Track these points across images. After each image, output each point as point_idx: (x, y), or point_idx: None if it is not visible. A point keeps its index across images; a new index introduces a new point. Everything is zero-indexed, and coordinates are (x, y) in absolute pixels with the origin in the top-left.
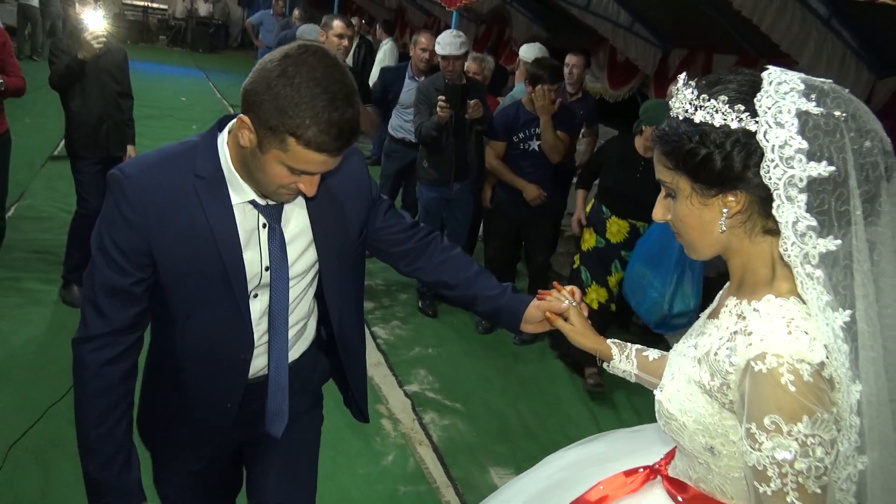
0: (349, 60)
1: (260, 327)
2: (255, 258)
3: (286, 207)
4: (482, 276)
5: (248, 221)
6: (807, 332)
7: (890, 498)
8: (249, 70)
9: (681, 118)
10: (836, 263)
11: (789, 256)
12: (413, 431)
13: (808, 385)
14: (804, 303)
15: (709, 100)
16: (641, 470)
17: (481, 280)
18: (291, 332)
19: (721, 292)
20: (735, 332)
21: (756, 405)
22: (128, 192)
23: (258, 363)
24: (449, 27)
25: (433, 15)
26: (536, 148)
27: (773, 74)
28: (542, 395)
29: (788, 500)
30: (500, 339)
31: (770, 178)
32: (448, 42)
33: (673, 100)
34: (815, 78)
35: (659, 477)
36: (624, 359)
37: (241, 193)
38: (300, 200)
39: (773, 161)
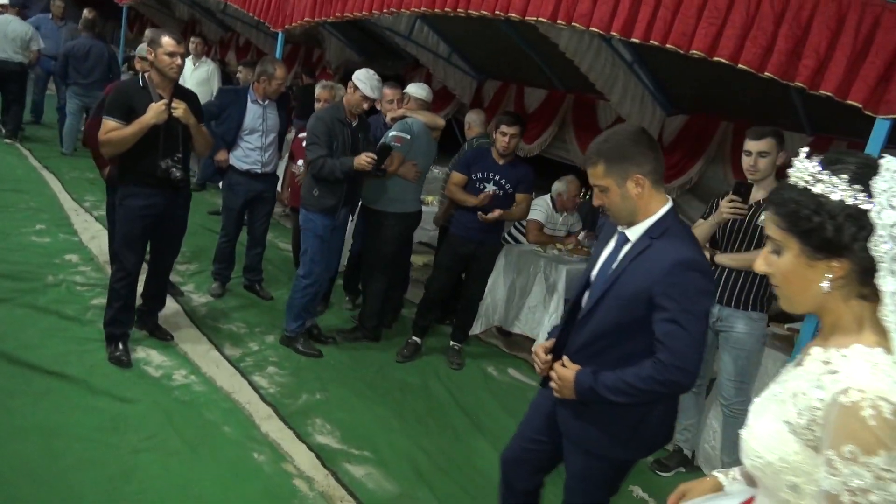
0: None
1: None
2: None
3: (623, 249)
4: None
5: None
6: (890, 376)
7: None
8: None
9: (800, 186)
10: None
11: (887, 321)
12: (330, 488)
13: (887, 422)
14: (890, 354)
15: (830, 175)
16: None
17: None
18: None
19: (804, 347)
20: (822, 374)
21: (837, 435)
22: None
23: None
24: (249, 42)
25: (232, 30)
26: (490, 192)
27: (890, 163)
28: (438, 430)
29: None
30: (382, 376)
31: (878, 252)
32: (375, 86)
33: (793, 169)
34: None
35: None
36: (732, 481)
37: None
38: (628, 254)
39: (882, 237)
